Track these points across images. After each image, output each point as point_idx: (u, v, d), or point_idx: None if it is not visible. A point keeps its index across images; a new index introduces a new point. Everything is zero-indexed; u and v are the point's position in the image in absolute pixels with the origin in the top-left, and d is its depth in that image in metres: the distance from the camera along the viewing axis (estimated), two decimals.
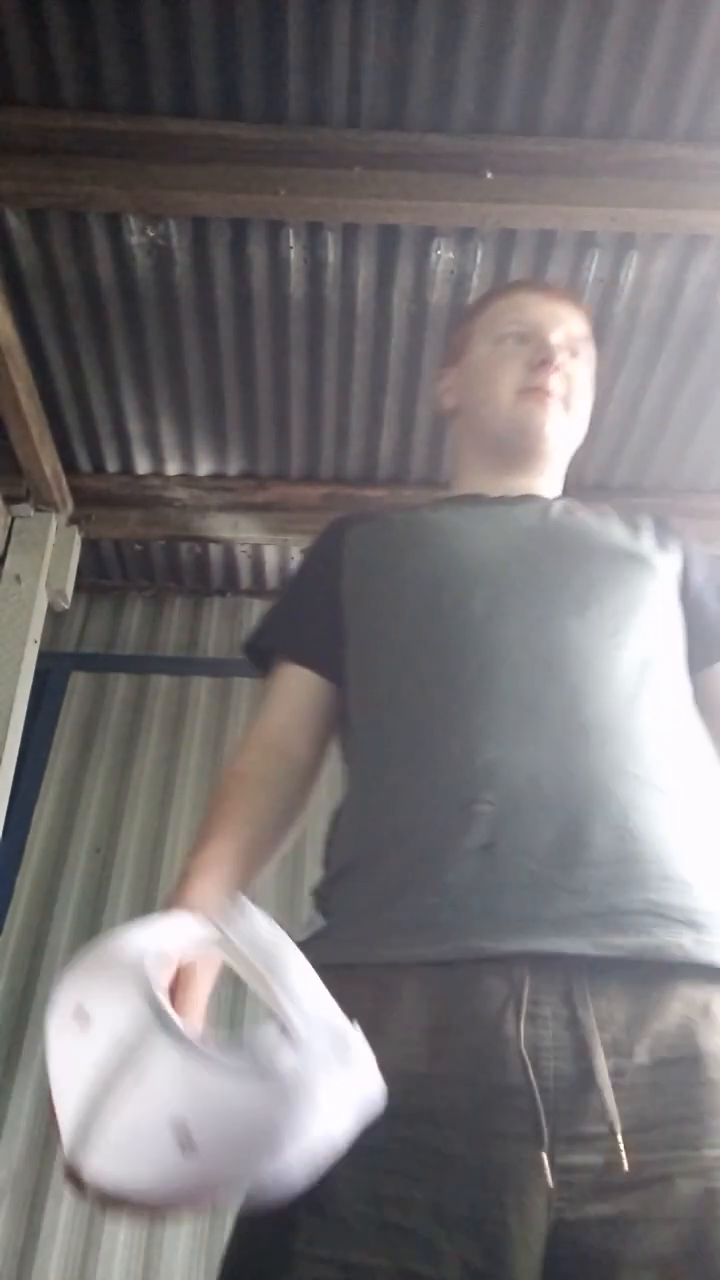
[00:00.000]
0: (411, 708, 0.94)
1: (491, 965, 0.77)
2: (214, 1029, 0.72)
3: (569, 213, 1.98)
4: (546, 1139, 0.70)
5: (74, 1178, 0.65)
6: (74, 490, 2.64)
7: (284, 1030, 0.65)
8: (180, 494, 2.69)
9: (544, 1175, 0.69)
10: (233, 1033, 2.02)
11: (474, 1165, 0.70)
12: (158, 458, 2.64)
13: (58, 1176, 2.12)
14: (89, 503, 2.67)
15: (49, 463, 2.48)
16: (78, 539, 2.67)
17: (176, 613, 3.06)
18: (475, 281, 2.13)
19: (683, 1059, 0.74)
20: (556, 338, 1.17)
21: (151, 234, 2.07)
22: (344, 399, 2.44)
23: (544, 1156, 0.69)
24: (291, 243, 2.08)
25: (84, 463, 2.66)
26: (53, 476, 2.52)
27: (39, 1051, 2.29)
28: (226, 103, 1.89)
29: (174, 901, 0.88)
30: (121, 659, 2.95)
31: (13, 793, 2.36)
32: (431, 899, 0.81)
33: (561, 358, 1.16)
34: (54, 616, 2.68)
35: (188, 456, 2.63)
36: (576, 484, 2.61)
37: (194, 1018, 0.77)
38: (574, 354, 1.18)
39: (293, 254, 2.10)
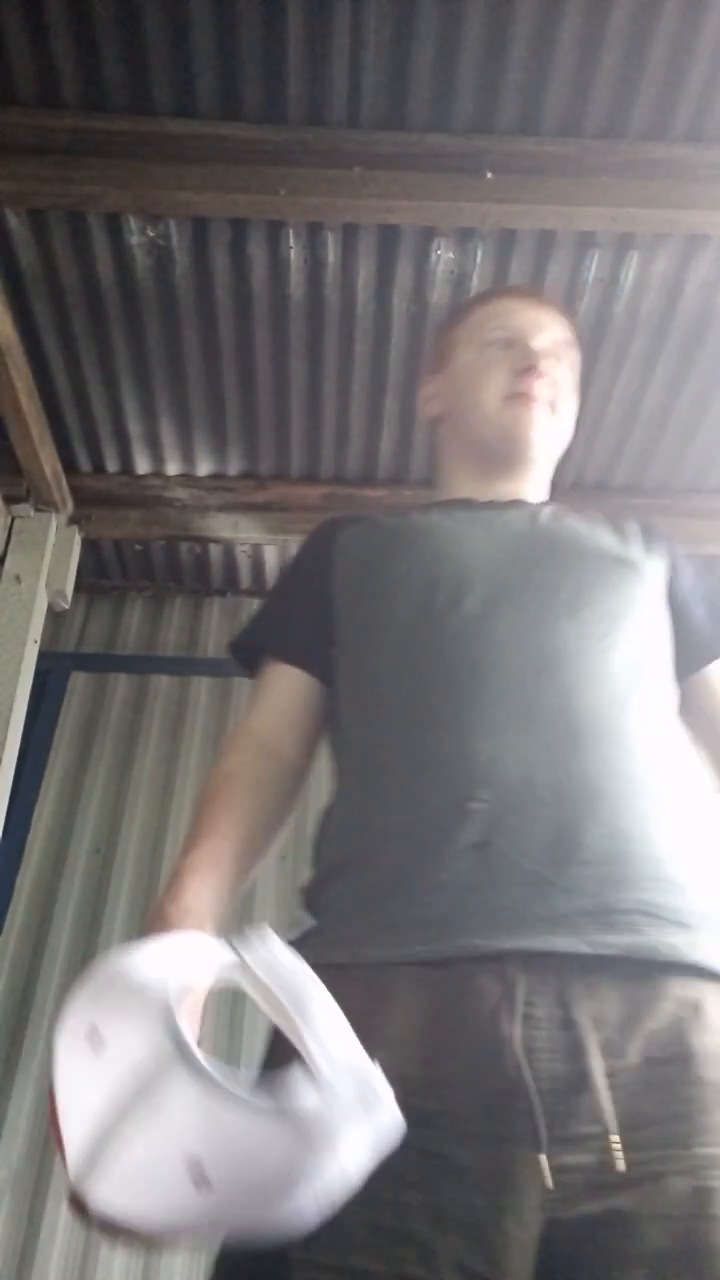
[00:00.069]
0: (405, 707, 0.94)
1: (485, 964, 0.77)
2: (213, 1029, 0.72)
3: (569, 213, 1.98)
4: (544, 1141, 0.70)
5: (77, 1204, 0.64)
6: (74, 490, 2.64)
7: (308, 1071, 0.63)
8: (180, 494, 2.69)
9: (540, 1176, 0.69)
10: (232, 1034, 2.02)
11: (470, 1168, 0.70)
12: (158, 458, 2.64)
13: (58, 1176, 2.12)
14: (89, 503, 2.67)
15: (49, 463, 2.48)
16: (78, 539, 2.67)
17: (176, 613, 3.06)
18: (475, 281, 2.13)
19: (674, 1058, 0.74)
20: (540, 343, 1.18)
21: (151, 234, 2.07)
22: (344, 399, 2.44)
23: (542, 1158, 0.69)
24: (291, 243, 2.08)
25: (84, 463, 2.66)
26: (53, 476, 2.52)
27: (39, 1051, 2.30)
28: (226, 103, 1.89)
29: (166, 903, 0.87)
30: (121, 659, 2.95)
31: (13, 793, 2.36)
32: (425, 897, 0.81)
33: (546, 364, 1.17)
34: (54, 616, 2.68)
35: (188, 456, 2.63)
36: (576, 484, 2.66)
37: (192, 1025, 0.76)
38: (558, 359, 1.19)
39: (293, 254, 2.10)
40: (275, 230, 2.06)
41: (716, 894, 0.85)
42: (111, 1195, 0.63)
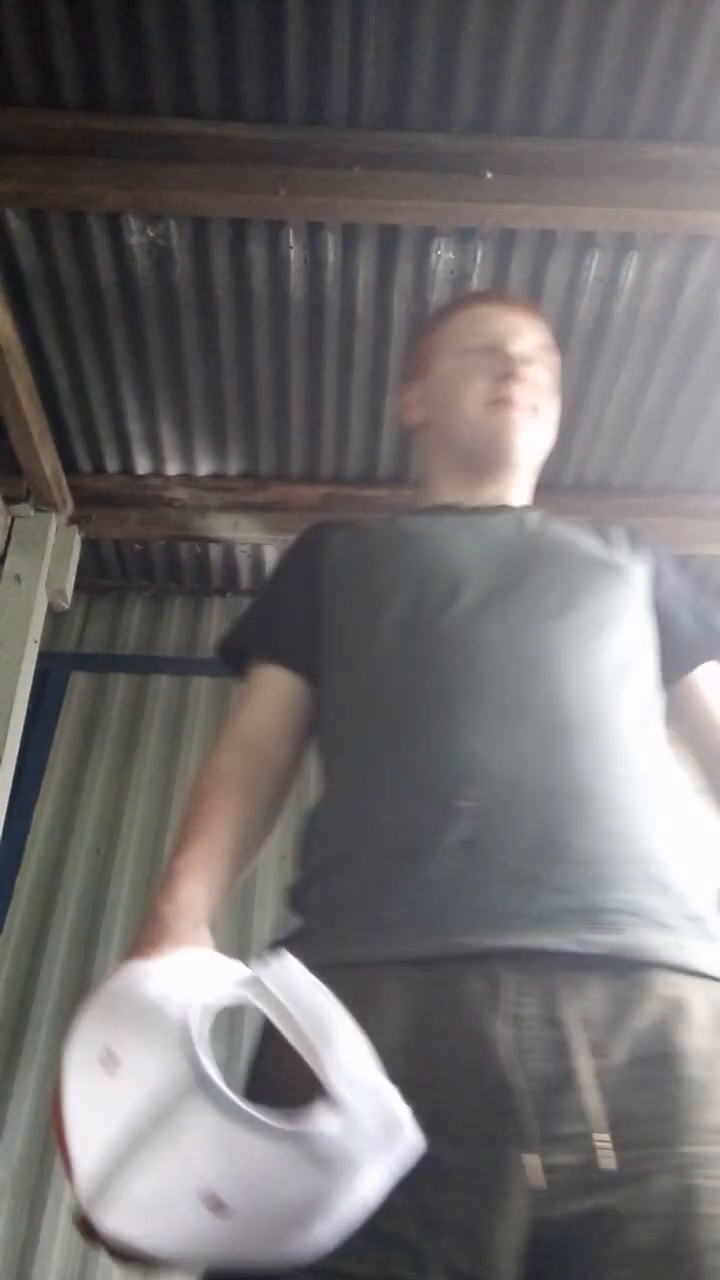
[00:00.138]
0: (394, 706, 0.95)
1: (472, 963, 0.77)
2: (213, 1029, 0.71)
3: (569, 213, 1.98)
4: (535, 1140, 0.70)
5: (85, 1228, 0.64)
6: (74, 490, 2.64)
7: (329, 1100, 0.62)
8: (180, 494, 2.69)
9: (528, 1177, 0.69)
10: (232, 1034, 2.02)
11: (460, 1169, 0.70)
12: (158, 458, 2.64)
13: (58, 1176, 2.12)
14: (89, 503, 2.67)
15: (49, 463, 2.48)
16: (78, 539, 2.67)
17: (176, 613, 3.06)
18: (475, 281, 2.13)
19: (659, 1057, 0.75)
20: (519, 348, 1.19)
21: (151, 234, 2.07)
22: (344, 399, 2.44)
23: (532, 1159, 0.70)
24: (291, 243, 2.08)
25: (84, 463, 2.66)
26: (53, 476, 2.52)
27: (39, 1052, 2.30)
28: (226, 103, 1.89)
29: (161, 903, 0.87)
30: (121, 659, 2.95)
31: (13, 793, 2.36)
32: (413, 895, 0.82)
33: (526, 368, 1.18)
34: (54, 616, 2.68)
35: (188, 456, 2.63)
36: (577, 484, 2.66)
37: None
38: (537, 363, 1.20)
39: (293, 254, 2.10)
40: (275, 230, 2.06)
41: (703, 894, 0.86)
42: (125, 1224, 0.62)
